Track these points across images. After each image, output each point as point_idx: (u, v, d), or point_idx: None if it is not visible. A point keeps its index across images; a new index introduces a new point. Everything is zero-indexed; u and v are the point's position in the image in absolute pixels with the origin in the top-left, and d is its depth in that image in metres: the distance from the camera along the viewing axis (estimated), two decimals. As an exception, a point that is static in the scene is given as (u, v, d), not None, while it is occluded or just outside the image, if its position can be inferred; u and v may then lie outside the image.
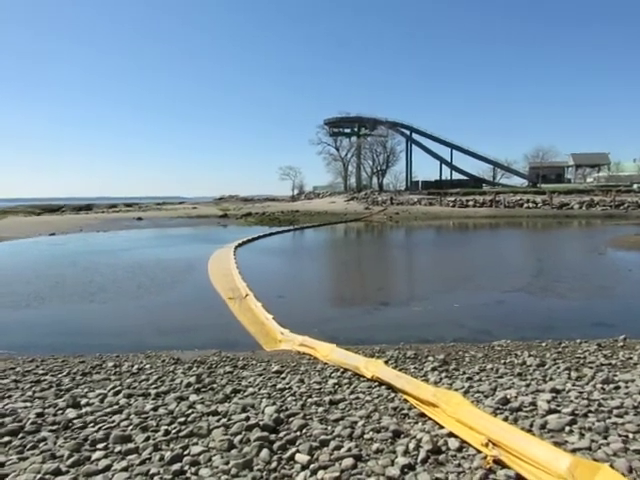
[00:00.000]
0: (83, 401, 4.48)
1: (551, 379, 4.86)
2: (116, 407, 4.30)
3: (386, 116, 74.00)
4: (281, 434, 3.64)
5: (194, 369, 5.61)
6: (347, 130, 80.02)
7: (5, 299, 11.21)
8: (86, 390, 4.85)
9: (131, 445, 3.52)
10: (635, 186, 52.49)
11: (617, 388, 4.48)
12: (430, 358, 5.86)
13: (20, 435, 3.77)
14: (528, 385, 4.66)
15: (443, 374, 5.18)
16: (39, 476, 3.10)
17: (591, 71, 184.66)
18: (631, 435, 3.45)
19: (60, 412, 4.24)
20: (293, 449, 3.37)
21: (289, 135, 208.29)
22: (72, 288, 12.55)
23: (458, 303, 10.71)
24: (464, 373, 5.21)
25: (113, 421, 3.98)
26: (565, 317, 9.52)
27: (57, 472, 3.16)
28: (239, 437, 3.59)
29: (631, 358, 5.63)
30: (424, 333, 8.00)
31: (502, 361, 5.70)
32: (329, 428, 3.74)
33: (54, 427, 3.92)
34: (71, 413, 4.16)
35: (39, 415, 4.15)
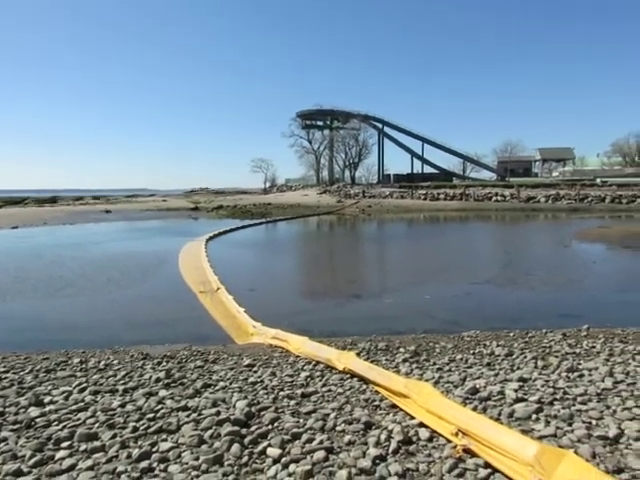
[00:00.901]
0: (47, 399, 4.33)
1: (518, 368, 4.97)
2: (82, 404, 4.18)
3: (359, 109, 74.23)
4: (252, 428, 3.60)
5: (164, 364, 5.50)
6: (320, 123, 79.86)
7: (-36, 294, 10.77)
8: (50, 388, 4.70)
9: (97, 443, 3.42)
10: (598, 180, 54.14)
11: (581, 376, 4.61)
12: (401, 349, 5.91)
13: (-21, 436, 3.62)
14: (496, 375, 4.75)
15: (414, 365, 5.23)
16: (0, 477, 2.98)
17: (558, 66, 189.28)
18: (594, 422, 3.55)
19: (22, 411, 4.09)
20: (265, 443, 3.34)
21: (261, 128, 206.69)
22: (36, 282, 12.15)
23: (429, 295, 10.85)
24: (434, 364, 5.27)
25: (78, 419, 3.86)
26: (532, 308, 9.76)
27: (18, 473, 3.05)
28: (209, 432, 3.54)
29: (594, 347, 5.80)
30: (395, 325, 8.07)
31: (471, 351, 5.79)
32: (301, 421, 3.72)
33: (15, 426, 3.77)
34: (34, 412, 4.02)
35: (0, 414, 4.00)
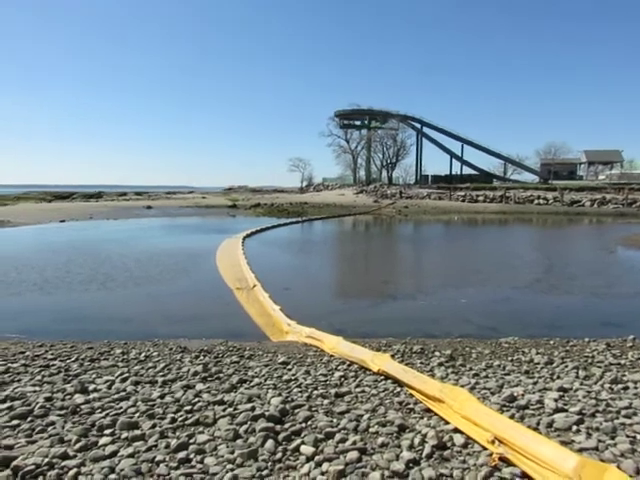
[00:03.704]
0: (91, 387, 4.51)
1: (559, 377, 4.83)
2: (123, 394, 4.33)
3: (397, 109, 73.55)
4: (286, 425, 3.65)
5: (201, 358, 5.63)
6: (357, 122, 79.54)
7: (15, 285, 11.34)
8: (94, 376, 4.89)
9: (138, 432, 3.55)
10: (648, 184, 51.76)
11: (626, 388, 4.44)
12: (437, 353, 5.84)
13: (29, 419, 3.82)
14: (535, 383, 4.63)
15: (449, 370, 5.16)
16: (47, 460, 3.13)
17: (605, 67, 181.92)
18: (639, 436, 3.42)
19: (68, 397, 4.28)
20: (298, 440, 3.38)
21: (299, 127, 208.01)
22: (81, 275, 12.65)
23: (465, 298, 10.66)
24: (471, 369, 5.18)
25: (120, 407, 4.01)
26: (573, 315, 9.45)
27: (64, 456, 3.20)
28: (244, 427, 3.61)
29: (640, 359, 5.57)
30: (430, 328, 7.98)
31: (509, 358, 5.66)
32: (334, 421, 3.74)
33: (62, 412, 3.96)
34: (79, 398, 4.20)
35: (48, 399, 4.19)
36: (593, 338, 6.70)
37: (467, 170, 73.76)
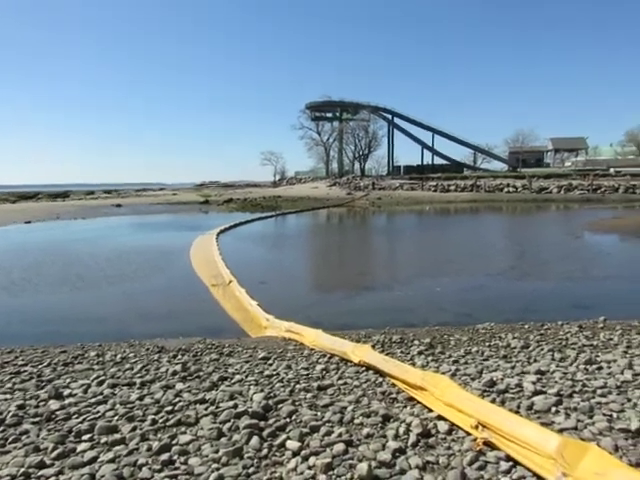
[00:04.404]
0: (66, 392, 4.37)
1: (535, 360, 4.93)
2: (100, 397, 4.21)
3: (368, 101, 73.71)
4: (270, 421, 3.61)
5: (179, 357, 5.53)
6: (329, 115, 79.45)
7: (-19, 289, 10.92)
8: (68, 381, 4.74)
9: (117, 436, 3.45)
10: (612, 170, 53.38)
11: (600, 368, 4.57)
12: (416, 342, 5.89)
13: (1, 428, 3.67)
14: (513, 367, 4.71)
15: (430, 358, 5.21)
16: (22, 470, 3.01)
17: (571, 54, 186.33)
18: (615, 414, 3.51)
19: (42, 404, 4.13)
20: (283, 436, 3.35)
21: (270, 120, 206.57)
22: (50, 277, 12.28)
23: (440, 287, 10.80)
24: (450, 356, 5.24)
25: (98, 412, 3.90)
26: (545, 300, 9.68)
27: (41, 465, 3.08)
28: (228, 425, 3.55)
29: (612, 339, 5.74)
30: (408, 317, 8.04)
31: (487, 344, 5.75)
32: (319, 414, 3.72)
33: (36, 419, 3.82)
34: (54, 404, 4.06)
35: (20, 407, 4.04)
36: (566, 321, 6.87)
37: (438, 160, 74.70)
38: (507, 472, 2.80)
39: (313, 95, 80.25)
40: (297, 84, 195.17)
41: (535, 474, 2.72)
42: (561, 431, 3.23)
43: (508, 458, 2.90)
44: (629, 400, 3.75)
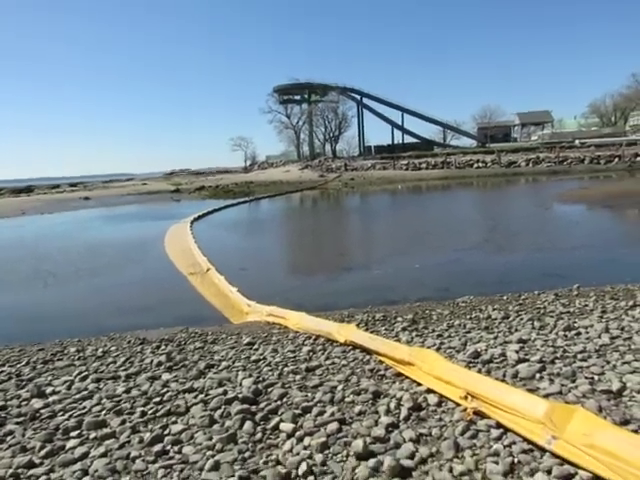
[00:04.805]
0: (48, 390, 4.27)
1: (517, 330, 5.04)
2: (85, 393, 4.13)
3: (336, 81, 73.11)
4: (262, 405, 3.61)
5: (163, 348, 5.46)
6: (297, 97, 78.51)
7: (-52, 290, 10.53)
8: (50, 378, 4.64)
9: (107, 430, 3.40)
10: (577, 142, 54.59)
11: (578, 334, 4.70)
12: (399, 319, 5.95)
13: (-17, 431, 3.57)
14: (496, 337, 4.82)
15: (414, 333, 5.27)
16: (11, 471, 2.94)
17: (535, 29, 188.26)
18: (596, 377, 3.63)
19: (25, 403, 4.03)
20: (276, 419, 3.35)
21: (239, 106, 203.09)
22: (21, 274, 11.92)
23: (418, 264, 10.92)
24: (434, 331, 5.32)
25: (84, 407, 3.82)
26: (520, 270, 9.90)
27: (30, 465, 3.01)
28: (219, 412, 3.53)
29: (587, 305, 5.92)
30: (389, 295, 8.12)
31: (468, 317, 5.86)
32: (309, 395, 3.73)
33: (20, 419, 3.72)
34: (37, 403, 3.96)
35: (2, 408, 3.93)
36: (542, 290, 7.05)
37: (409, 139, 74.96)
38: (498, 439, 2.87)
39: (282, 78, 78.87)
40: (265, 68, 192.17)
41: (525, 439, 2.79)
42: (547, 396, 3.33)
43: (498, 425, 2.97)
44: (608, 362, 3.88)
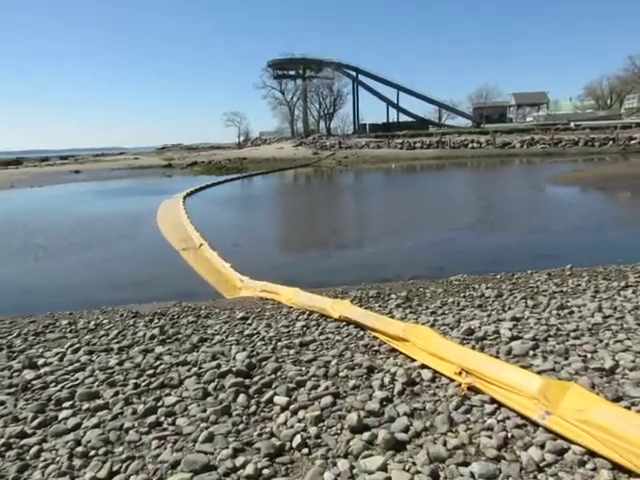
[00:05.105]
0: (40, 361, 4.24)
1: (510, 308, 5.06)
2: (77, 365, 4.10)
3: (332, 57, 71.94)
4: (255, 378, 3.60)
5: (155, 321, 5.43)
6: (292, 72, 77.21)
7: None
8: (41, 350, 4.60)
9: (100, 401, 3.38)
10: (572, 124, 54.45)
11: (571, 313, 4.73)
12: (393, 296, 5.95)
13: (-26, 401, 3.54)
14: (489, 315, 4.83)
15: (407, 310, 5.28)
16: (3, 440, 2.92)
17: (533, 9, 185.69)
18: (589, 355, 3.66)
19: (16, 374, 4.00)
20: (270, 392, 3.34)
21: (233, 80, 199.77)
22: (13, 247, 11.79)
23: (411, 242, 10.93)
24: (427, 308, 5.33)
25: (77, 379, 3.79)
26: (513, 251, 9.94)
27: (22, 435, 2.99)
28: (213, 385, 3.52)
29: (580, 285, 5.95)
30: (382, 273, 8.12)
31: (462, 294, 5.87)
32: (303, 369, 3.73)
33: (12, 390, 3.69)
34: (29, 374, 3.93)
35: (-7, 379, 3.90)
36: (535, 270, 7.07)
37: (403, 117, 74.27)
38: (492, 414, 2.88)
39: (277, 52, 77.17)
40: (262, 42, 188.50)
41: (519, 414, 2.81)
42: (540, 373, 3.34)
43: (492, 401, 2.99)
44: (601, 341, 3.91)
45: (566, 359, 3.59)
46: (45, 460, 2.72)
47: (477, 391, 3.11)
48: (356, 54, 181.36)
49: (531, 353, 3.75)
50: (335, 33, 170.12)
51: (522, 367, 3.40)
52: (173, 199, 19.50)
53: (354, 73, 74.20)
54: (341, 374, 3.61)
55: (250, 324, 5.10)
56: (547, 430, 2.63)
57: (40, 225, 15.11)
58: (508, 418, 2.81)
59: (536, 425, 2.70)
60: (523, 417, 2.78)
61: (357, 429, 2.78)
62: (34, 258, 10.52)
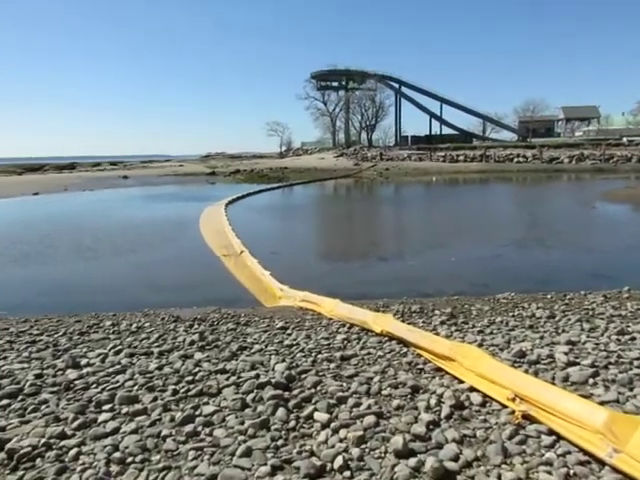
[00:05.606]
0: (83, 361, 4.27)
1: (564, 331, 4.76)
2: (118, 367, 4.11)
3: (375, 69, 71.94)
4: (295, 392, 3.49)
5: (195, 327, 5.42)
6: (335, 84, 77.68)
7: (-9, 259, 10.87)
8: (85, 350, 4.65)
9: (139, 406, 3.35)
10: (625, 139, 52.24)
11: (633, 339, 4.39)
12: (437, 312, 5.73)
13: (20, 397, 3.58)
14: (542, 337, 4.55)
15: (453, 328, 5.06)
16: (43, 440, 2.91)
17: (583, 23, 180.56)
18: (657, 386, 3.36)
19: (60, 373, 4.04)
20: (310, 407, 3.22)
21: (276, 90, 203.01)
22: (62, 248, 12.21)
23: (454, 257, 10.62)
24: (474, 326, 5.09)
25: (117, 381, 3.79)
26: (563, 269, 9.49)
27: (62, 436, 2.98)
28: (251, 396, 3.43)
29: (640, 309, 5.56)
30: (424, 287, 7.89)
31: (510, 314, 5.59)
32: (344, 385, 3.59)
33: (55, 389, 3.72)
34: (72, 374, 3.96)
35: (38, 376, 3.95)
36: (588, 291, 6.68)
37: (447, 130, 73.27)
38: (550, 446, 2.65)
39: (321, 64, 77.64)
40: (304, 53, 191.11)
41: (582, 449, 2.57)
42: (602, 404, 3.08)
43: (550, 432, 2.76)
44: (669, 372, 3.59)
45: (631, 390, 3.30)
46: (83, 464, 2.69)
47: (532, 420, 2.89)
48: (399, 67, 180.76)
49: (591, 381, 3.47)
50: (378, 45, 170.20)
51: (582, 396, 3.15)
52: (215, 206, 19.81)
53: (397, 85, 74.00)
54: (384, 392, 3.45)
55: (289, 334, 5.01)
56: (615, 470, 2.39)
57: (89, 227, 15.62)
58: (569, 453, 2.57)
59: (602, 463, 2.46)
60: (586, 453, 2.54)
61: (402, 454, 2.62)
62: (82, 258, 10.84)
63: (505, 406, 3.10)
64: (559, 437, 2.71)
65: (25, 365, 4.23)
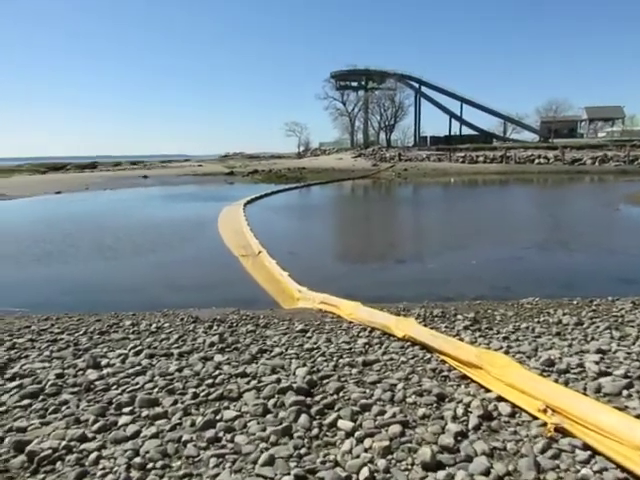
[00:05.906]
0: (103, 361, 4.27)
1: (593, 339, 4.60)
2: (139, 368, 4.09)
3: (395, 69, 71.47)
4: (317, 398, 3.41)
5: (215, 328, 5.38)
6: (354, 84, 77.41)
7: (15, 257, 11.03)
8: (105, 350, 4.65)
9: (159, 409, 3.31)
10: (650, 141, 50.97)
11: (667, 349, 4.22)
12: (459, 317, 5.60)
13: (40, 397, 3.58)
14: (570, 345, 4.40)
15: (477, 333, 4.93)
16: (64, 443, 2.89)
17: (605, 23, 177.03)
18: (696, 400, 3.20)
19: (80, 373, 4.03)
20: (334, 414, 3.14)
21: (294, 90, 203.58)
22: (83, 247, 12.35)
23: (474, 259, 10.43)
24: (498, 332, 4.95)
25: (137, 383, 3.76)
26: (587, 273, 9.27)
27: (83, 439, 2.96)
28: (273, 401, 3.37)
29: (672, 316, 5.35)
30: (444, 290, 7.75)
31: (536, 319, 5.43)
32: (367, 391, 3.50)
33: (75, 389, 3.71)
34: (92, 374, 3.95)
35: (59, 376, 3.95)
36: (616, 297, 6.47)
37: (466, 130, 72.36)
38: (586, 462, 2.53)
39: (340, 64, 77.40)
40: (323, 53, 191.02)
41: (620, 466, 2.45)
42: (638, 417, 2.94)
43: (585, 446, 2.64)
44: None
45: (669, 403, 3.15)
46: (104, 468, 2.65)
47: (565, 433, 2.77)
48: (419, 67, 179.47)
49: (625, 393, 3.33)
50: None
51: (616, 408, 3.01)
52: (234, 206, 19.87)
53: (417, 84, 73.41)
54: (409, 400, 3.35)
55: (310, 337, 4.94)
56: (656, 489, 2.27)
57: (110, 226, 15.78)
58: (606, 469, 2.45)
59: (642, 481, 2.34)
60: (624, 470, 2.42)
61: (430, 466, 2.53)
62: (103, 258, 10.94)
63: (535, 417, 2.98)
64: (595, 452, 2.59)
65: (46, 364, 4.24)
